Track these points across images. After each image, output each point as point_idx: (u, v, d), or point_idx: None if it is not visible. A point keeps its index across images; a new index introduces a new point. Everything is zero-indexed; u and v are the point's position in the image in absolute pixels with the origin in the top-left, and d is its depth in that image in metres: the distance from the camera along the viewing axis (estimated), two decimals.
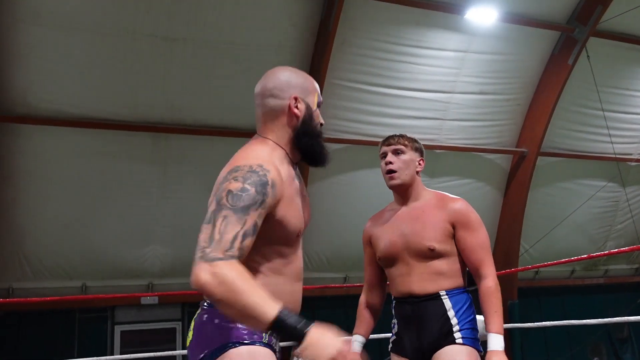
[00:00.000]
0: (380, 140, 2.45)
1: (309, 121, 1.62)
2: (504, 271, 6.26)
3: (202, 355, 1.50)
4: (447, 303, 2.24)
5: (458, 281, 2.28)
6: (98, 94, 7.43)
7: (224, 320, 1.48)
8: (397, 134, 2.42)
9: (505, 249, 9.92)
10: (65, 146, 7.59)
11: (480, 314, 2.26)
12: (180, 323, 8.82)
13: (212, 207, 1.42)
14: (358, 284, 8.00)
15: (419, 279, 2.25)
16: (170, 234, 8.39)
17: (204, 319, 1.53)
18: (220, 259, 1.32)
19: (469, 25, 8.44)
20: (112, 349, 8.32)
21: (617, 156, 10.00)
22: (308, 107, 1.63)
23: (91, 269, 8.17)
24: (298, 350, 1.34)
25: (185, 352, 6.48)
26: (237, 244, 1.36)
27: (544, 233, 10.18)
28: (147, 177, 8.09)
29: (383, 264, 2.40)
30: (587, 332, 10.09)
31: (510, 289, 10.09)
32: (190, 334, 1.57)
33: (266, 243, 1.52)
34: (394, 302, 2.40)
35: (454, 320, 2.21)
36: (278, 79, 1.64)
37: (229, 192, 1.42)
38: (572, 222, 10.44)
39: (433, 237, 2.23)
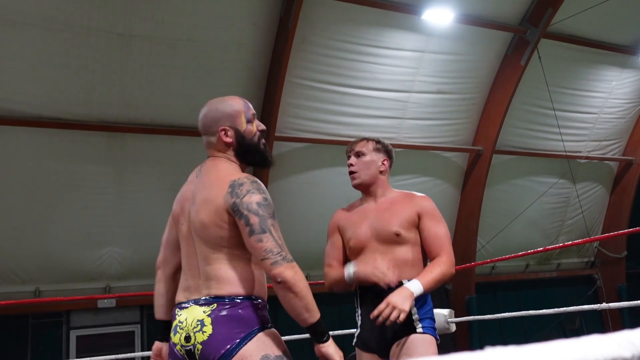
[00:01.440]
0: (339, 138, 2.55)
1: (242, 141, 1.92)
2: (461, 266, 6.40)
3: (233, 342, 1.71)
4: None
5: (420, 271, 2.33)
6: (51, 91, 7.22)
7: (247, 311, 1.76)
8: (361, 138, 2.57)
9: (463, 245, 10.14)
10: (17, 146, 7.34)
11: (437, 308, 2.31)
12: (139, 326, 8.65)
13: (253, 219, 1.72)
14: (320, 281, 8.05)
15: (385, 267, 2.29)
16: (128, 235, 8.23)
17: (227, 312, 1.74)
18: (292, 260, 1.73)
19: (426, 26, 8.59)
20: (67, 354, 8.09)
21: (568, 154, 10.37)
22: (237, 131, 1.92)
23: (45, 273, 7.92)
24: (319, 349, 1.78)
25: (144, 354, 6.37)
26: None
27: (500, 229, 10.47)
28: (103, 177, 7.91)
29: (351, 253, 2.46)
30: (541, 325, 10.42)
31: (468, 284, 10.34)
32: (209, 328, 1.73)
33: None
34: (358, 292, 2.44)
35: (414, 310, 2.27)
36: (205, 117, 1.96)
37: (258, 203, 1.75)
38: (526, 217, 10.77)
39: (399, 223, 2.34)
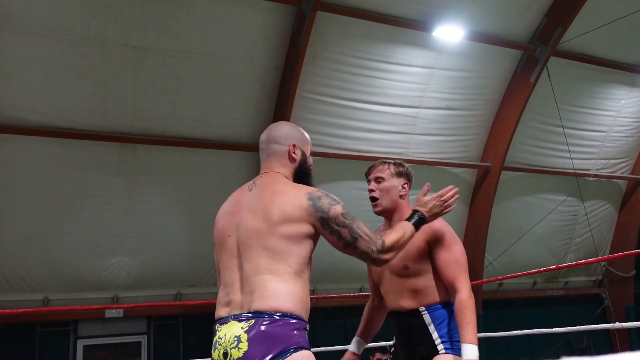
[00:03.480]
0: (349, 153, 2.61)
1: (304, 164, 2.09)
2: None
3: (268, 358, 1.70)
4: (427, 318, 2.36)
5: (438, 297, 2.39)
6: (66, 102, 7.32)
7: (284, 329, 1.75)
8: (381, 160, 2.57)
9: (470, 261, 10.00)
10: (30, 155, 7.43)
11: None
12: (145, 337, 8.66)
13: (344, 231, 1.87)
14: (325, 295, 8.05)
15: (399, 296, 2.41)
16: (137, 246, 8.27)
17: (264, 329, 1.74)
18: (382, 243, 1.92)
19: (436, 43, 8.66)
20: None
21: (576, 171, 10.36)
22: (303, 154, 2.09)
23: (54, 282, 7.97)
24: None
25: None
26: (368, 229, 1.93)
27: (508, 246, 10.44)
28: (114, 187, 7.97)
29: (374, 282, 2.62)
30: (549, 343, 10.35)
31: (475, 300, 10.25)
32: (244, 345, 1.73)
33: (310, 251, 1.91)
34: (388, 315, 2.58)
35: (435, 335, 2.33)
36: (281, 130, 2.10)
37: (342, 214, 1.88)
38: (534, 235, 10.73)
39: (407, 256, 2.34)
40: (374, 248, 1.89)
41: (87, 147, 7.65)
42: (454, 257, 2.35)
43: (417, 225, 2.08)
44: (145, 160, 8.04)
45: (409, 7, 8.20)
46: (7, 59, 6.86)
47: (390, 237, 1.95)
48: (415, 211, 2.14)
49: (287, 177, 2.03)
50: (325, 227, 1.85)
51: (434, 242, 2.36)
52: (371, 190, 2.49)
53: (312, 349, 1.84)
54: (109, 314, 8.38)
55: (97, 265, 8.14)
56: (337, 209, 1.87)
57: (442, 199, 2.19)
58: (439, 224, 2.38)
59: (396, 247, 1.95)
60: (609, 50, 9.94)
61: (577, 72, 10.01)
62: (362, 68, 8.51)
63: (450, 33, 8.41)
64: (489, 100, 9.77)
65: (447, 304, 2.38)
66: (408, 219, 2.09)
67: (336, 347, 5.45)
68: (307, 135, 2.16)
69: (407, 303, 2.38)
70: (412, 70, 8.84)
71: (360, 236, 1.87)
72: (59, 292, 8.03)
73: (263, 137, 2.11)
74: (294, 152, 2.05)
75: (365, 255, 1.89)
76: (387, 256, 1.93)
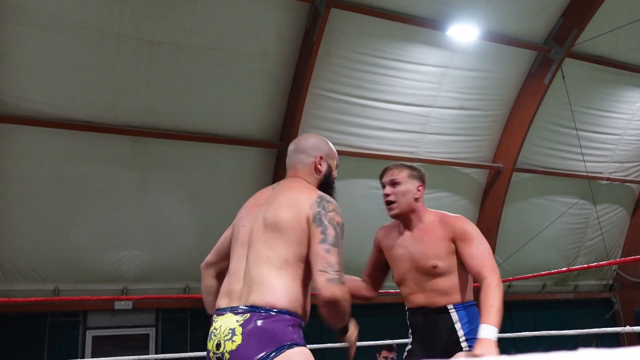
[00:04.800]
0: (360, 151, 2.63)
1: (329, 176, 2.15)
2: (477, 284, 6.36)
3: (262, 354, 1.71)
4: (455, 316, 2.38)
5: (465, 296, 2.42)
6: (79, 95, 7.37)
7: (279, 325, 1.76)
8: (395, 164, 2.58)
9: None
10: (43, 147, 7.49)
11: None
12: (154, 329, 8.72)
13: (331, 231, 1.82)
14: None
15: (428, 296, 2.41)
16: (147, 238, 8.33)
17: (259, 324, 1.75)
18: (344, 283, 1.79)
19: (450, 42, 8.62)
20: (82, 354, 8.18)
21: (589, 174, 10.27)
22: (329, 166, 2.15)
23: (64, 272, 8.04)
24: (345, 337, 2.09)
25: (158, 356, 6.43)
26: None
27: (518, 247, 10.38)
28: (125, 180, 8.02)
29: (397, 283, 2.58)
30: (558, 346, 10.26)
31: None
32: (239, 338, 1.74)
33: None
34: (407, 312, 2.56)
35: (460, 332, 2.35)
36: (309, 141, 2.17)
37: (339, 224, 1.87)
38: (545, 237, 10.66)
39: (436, 254, 2.37)
40: (340, 274, 1.78)
41: (100, 140, 7.70)
42: (479, 249, 2.34)
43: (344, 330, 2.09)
44: (157, 154, 8.08)
45: (423, 6, 8.16)
46: (22, 51, 6.92)
47: (348, 300, 1.82)
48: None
49: (310, 183, 2.08)
50: (315, 219, 1.83)
51: (458, 239, 2.37)
52: (387, 195, 2.49)
53: (307, 346, 1.84)
54: (118, 305, 8.45)
55: (107, 257, 8.21)
56: (337, 217, 1.87)
57: None
58: (460, 221, 2.41)
59: (346, 304, 1.79)
60: (625, 53, 9.84)
61: (591, 74, 9.92)
62: (375, 66, 8.49)
63: (465, 32, 8.36)
64: (503, 101, 9.71)
65: (473, 303, 2.42)
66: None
67: (333, 344, 5.45)
68: (334, 149, 2.21)
69: (434, 301, 2.39)
70: (425, 69, 8.80)
71: (339, 252, 1.81)
72: (69, 283, 8.10)
73: (291, 146, 2.18)
74: (320, 164, 2.11)
75: (328, 267, 1.76)
76: (339, 294, 1.75)
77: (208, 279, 2.15)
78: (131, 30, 7.17)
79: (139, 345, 8.51)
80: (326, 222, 1.83)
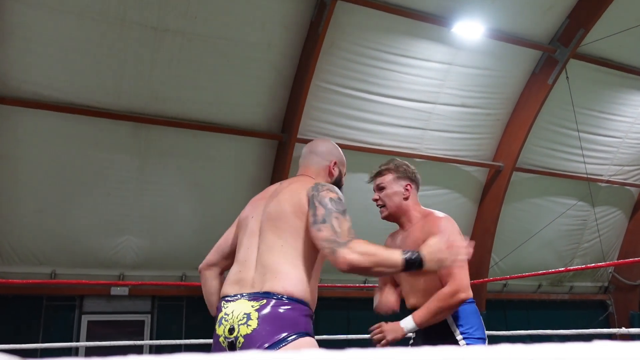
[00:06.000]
0: (361, 145, 2.67)
1: (339, 181, 2.26)
2: (473, 281, 6.38)
3: (273, 341, 1.73)
4: (449, 317, 2.37)
5: None
6: (82, 79, 7.35)
7: (295, 313, 1.79)
8: (378, 168, 2.60)
9: (477, 260, 10.09)
10: (44, 130, 7.48)
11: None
12: (149, 316, 8.75)
13: (320, 210, 1.83)
14: (329, 284, 8.09)
15: (416, 295, 2.45)
16: (146, 225, 8.34)
17: (276, 310, 1.77)
18: (349, 241, 1.74)
19: (455, 39, 8.59)
20: (77, 338, 8.21)
21: (589, 176, 10.27)
22: (340, 172, 2.27)
23: (62, 256, 8.06)
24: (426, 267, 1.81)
25: (153, 342, 6.44)
26: (352, 232, 1.80)
27: (515, 247, 10.40)
28: (126, 166, 8.02)
29: (397, 284, 2.65)
30: None
31: (479, 299, 10.28)
32: (254, 322, 1.76)
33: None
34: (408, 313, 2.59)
35: (456, 332, 2.35)
36: (325, 146, 2.28)
37: (331, 199, 1.87)
38: (542, 237, 10.68)
39: None
40: (340, 241, 1.73)
41: (102, 125, 7.69)
42: None
43: (408, 264, 1.77)
44: (159, 141, 8.07)
45: (430, 1, 8.13)
46: (27, 33, 6.90)
47: (371, 247, 1.74)
48: (415, 251, 1.84)
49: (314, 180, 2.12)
50: (309, 205, 1.87)
51: None
52: (375, 200, 2.58)
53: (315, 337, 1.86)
54: (115, 291, 8.47)
55: (105, 242, 8.22)
56: (330, 194, 1.89)
57: (452, 249, 1.86)
58: (443, 221, 2.38)
59: (367, 257, 1.70)
60: (630, 56, 9.82)
61: (596, 75, 9.90)
62: (379, 60, 8.47)
63: (470, 30, 8.34)
64: (505, 100, 9.70)
65: (470, 301, 2.41)
66: (404, 253, 1.81)
67: (338, 336, 5.49)
68: (345, 159, 2.34)
69: (422, 301, 2.38)
70: (429, 65, 8.78)
71: (332, 225, 1.78)
72: (66, 267, 8.12)
73: (306, 148, 2.28)
74: (334, 169, 2.23)
75: (324, 242, 1.75)
76: (350, 256, 1.69)
77: (211, 280, 2.14)
78: (136, 16, 7.14)
79: (135, 331, 8.55)
80: (316, 203, 1.86)
